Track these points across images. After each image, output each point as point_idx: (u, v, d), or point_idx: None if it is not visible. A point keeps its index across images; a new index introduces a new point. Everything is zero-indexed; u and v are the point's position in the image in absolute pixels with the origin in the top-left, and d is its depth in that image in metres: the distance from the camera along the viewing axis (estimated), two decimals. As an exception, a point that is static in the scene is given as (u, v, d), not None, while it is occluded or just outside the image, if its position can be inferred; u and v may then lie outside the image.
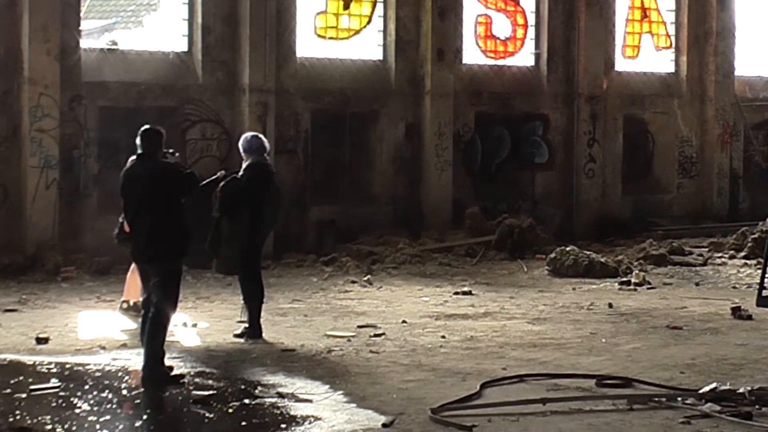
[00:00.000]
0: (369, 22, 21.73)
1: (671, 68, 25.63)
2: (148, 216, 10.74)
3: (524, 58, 23.58)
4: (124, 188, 11.04)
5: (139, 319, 14.01)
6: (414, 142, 21.86)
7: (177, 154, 12.73)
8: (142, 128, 11.22)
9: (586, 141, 23.81)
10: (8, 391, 10.29)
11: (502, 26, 23.30)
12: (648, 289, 17.17)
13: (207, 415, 9.52)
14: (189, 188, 11.10)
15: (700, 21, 25.58)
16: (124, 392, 10.36)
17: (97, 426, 9.15)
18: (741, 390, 9.73)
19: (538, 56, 23.59)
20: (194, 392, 10.17)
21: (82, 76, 18.69)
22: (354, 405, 9.79)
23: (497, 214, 21.75)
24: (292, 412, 9.58)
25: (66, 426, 9.12)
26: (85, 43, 19.07)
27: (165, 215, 10.77)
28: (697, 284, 17.81)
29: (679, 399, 9.82)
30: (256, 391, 10.31)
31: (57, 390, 10.31)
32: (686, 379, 10.78)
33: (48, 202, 18.10)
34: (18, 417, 9.35)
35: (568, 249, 18.78)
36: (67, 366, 11.29)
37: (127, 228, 14.20)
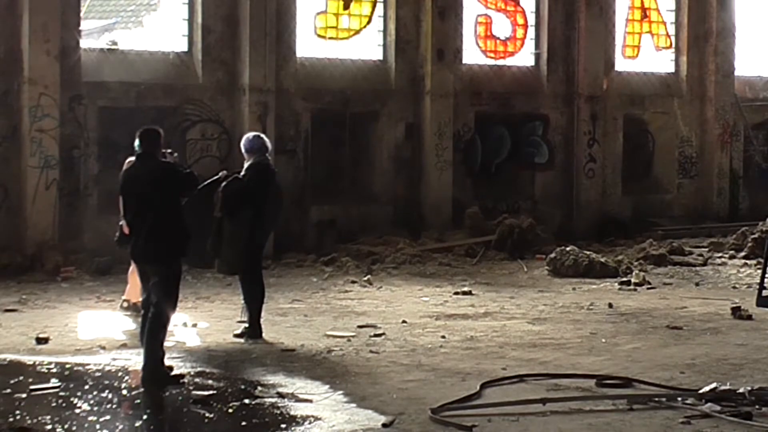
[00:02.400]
0: (369, 22, 21.74)
1: (671, 68, 25.64)
2: (149, 216, 10.73)
3: (524, 58, 23.58)
4: (124, 188, 11.06)
5: (140, 319, 14.08)
6: (414, 142, 21.86)
7: (176, 154, 12.73)
8: (141, 128, 11.20)
9: (586, 141, 23.82)
10: (8, 391, 10.29)
11: (502, 26, 23.30)
12: (648, 289, 17.17)
13: (207, 415, 9.52)
14: (189, 188, 11.11)
15: (700, 21, 25.59)
16: (124, 392, 10.36)
17: (97, 426, 9.15)
18: (741, 390, 9.73)
19: (538, 56, 23.59)
20: (194, 392, 10.17)
21: (82, 76, 18.70)
22: (354, 405, 9.79)
23: (497, 214, 21.76)
24: (292, 412, 9.58)
25: (66, 426, 9.12)
26: (85, 43, 19.07)
27: (165, 215, 10.77)
28: (697, 284, 17.81)
29: (679, 399, 9.81)
30: (256, 391, 10.31)
31: (57, 390, 10.31)
32: (686, 379, 10.78)
33: (48, 202, 18.10)
34: (18, 417, 9.35)
35: (568, 249, 18.78)
36: (67, 366, 11.29)
37: (125, 229, 14.26)
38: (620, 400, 9.79)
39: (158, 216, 10.74)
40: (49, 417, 9.35)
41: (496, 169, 23.14)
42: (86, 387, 10.45)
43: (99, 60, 19.06)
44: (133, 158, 14.41)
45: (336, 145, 21.42)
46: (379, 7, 21.76)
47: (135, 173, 10.99)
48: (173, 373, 10.79)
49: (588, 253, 18.86)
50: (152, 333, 10.75)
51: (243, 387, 10.52)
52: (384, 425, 9.08)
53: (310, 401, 9.91)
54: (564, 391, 10.26)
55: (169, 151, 12.16)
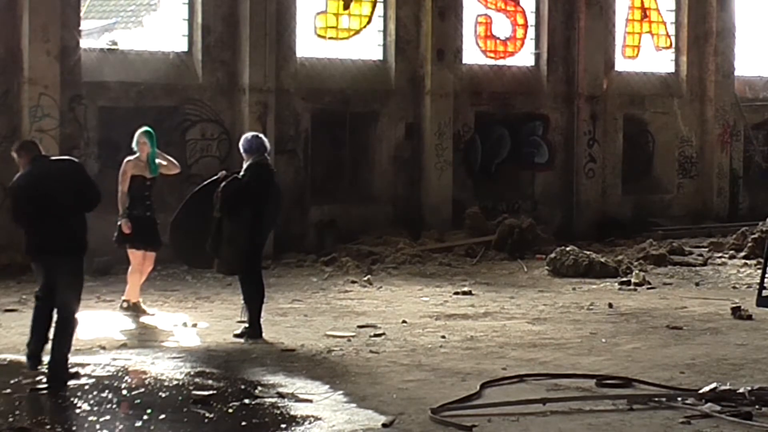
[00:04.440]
0: (369, 22, 21.73)
1: (671, 68, 25.64)
2: (64, 210, 10.63)
3: (524, 58, 23.58)
4: (37, 189, 10.73)
5: (140, 319, 14.10)
6: (414, 142, 21.86)
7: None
8: (19, 142, 11.14)
9: (586, 141, 23.82)
10: (8, 391, 10.29)
11: (502, 26, 23.30)
12: (648, 289, 17.16)
13: (207, 415, 9.51)
14: (92, 197, 11.00)
15: (700, 21, 25.59)
16: (124, 392, 10.36)
17: (97, 426, 9.15)
18: (741, 390, 9.73)
19: (538, 56, 23.59)
20: (194, 392, 10.17)
21: (82, 76, 18.70)
22: (354, 405, 9.79)
23: (497, 214, 21.76)
24: (292, 412, 9.58)
25: (66, 426, 9.11)
26: (85, 43, 19.07)
27: (80, 210, 10.81)
28: (697, 284, 17.80)
29: (679, 399, 9.81)
30: (256, 391, 10.31)
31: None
32: (686, 379, 10.78)
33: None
34: (18, 417, 9.35)
35: (568, 249, 18.77)
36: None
37: (126, 229, 14.30)
38: (620, 400, 9.79)
39: (74, 210, 10.73)
40: (49, 417, 9.35)
41: (496, 169, 23.14)
42: (86, 387, 10.45)
43: (99, 60, 19.05)
44: (132, 157, 14.55)
45: (336, 145, 21.42)
46: (379, 7, 21.76)
47: (45, 172, 10.75)
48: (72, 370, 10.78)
49: (588, 253, 18.85)
50: (69, 333, 10.65)
51: (243, 387, 10.52)
52: (384, 425, 9.08)
53: (310, 401, 9.90)
54: (564, 391, 10.25)
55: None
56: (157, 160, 14.61)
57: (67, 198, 10.67)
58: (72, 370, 10.73)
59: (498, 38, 23.27)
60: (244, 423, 9.34)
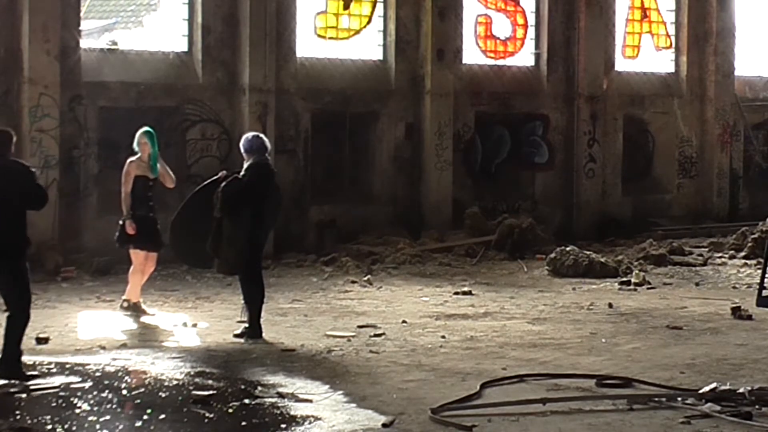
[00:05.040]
0: (369, 22, 21.74)
1: (671, 68, 25.65)
2: (6, 211, 10.53)
3: (524, 58, 23.58)
4: None
5: (140, 319, 14.11)
6: (414, 142, 21.86)
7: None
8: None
9: (586, 141, 23.82)
10: (8, 391, 10.29)
11: (502, 26, 23.30)
12: (648, 289, 17.17)
13: (207, 415, 9.51)
14: (40, 198, 10.90)
15: (700, 21, 25.59)
16: (124, 392, 10.36)
17: (97, 426, 9.15)
18: (741, 390, 9.73)
19: (538, 56, 23.59)
20: (194, 392, 10.17)
21: (82, 76, 18.70)
22: (354, 405, 9.79)
23: (497, 214, 21.76)
24: (292, 412, 9.58)
25: (66, 426, 9.12)
26: (85, 43, 19.08)
27: (22, 211, 10.67)
28: (697, 284, 17.81)
29: (679, 399, 9.82)
30: (256, 391, 10.31)
31: (57, 390, 10.31)
32: (686, 379, 10.78)
33: (48, 202, 18.04)
34: (18, 417, 9.36)
35: (568, 249, 18.78)
36: (67, 366, 11.28)
37: (130, 230, 14.30)
38: (620, 400, 9.79)
39: (16, 212, 10.61)
40: (49, 417, 9.36)
41: (496, 169, 23.14)
42: (86, 387, 10.45)
43: (99, 60, 19.05)
44: (134, 158, 14.56)
45: (336, 145, 21.42)
46: (379, 7, 21.76)
47: None
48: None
49: (588, 253, 18.86)
50: (21, 327, 10.65)
51: (243, 387, 10.52)
52: (384, 425, 9.08)
53: (310, 401, 9.91)
54: (564, 391, 10.26)
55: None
56: (159, 164, 14.63)
57: (12, 198, 10.55)
58: (28, 373, 10.68)
59: (498, 38, 23.27)
60: (244, 423, 9.34)
